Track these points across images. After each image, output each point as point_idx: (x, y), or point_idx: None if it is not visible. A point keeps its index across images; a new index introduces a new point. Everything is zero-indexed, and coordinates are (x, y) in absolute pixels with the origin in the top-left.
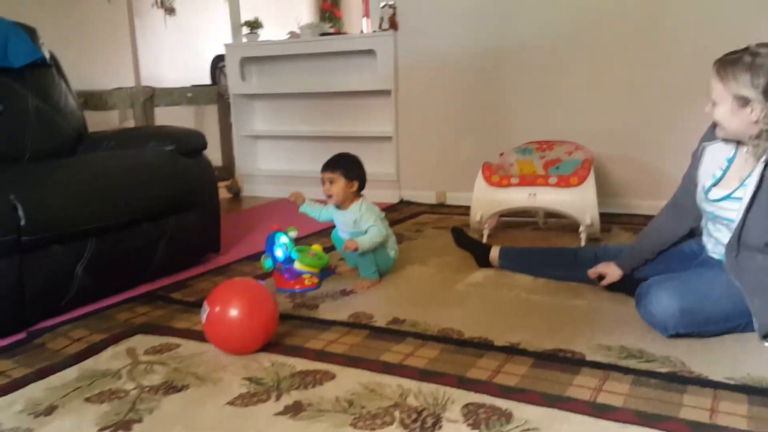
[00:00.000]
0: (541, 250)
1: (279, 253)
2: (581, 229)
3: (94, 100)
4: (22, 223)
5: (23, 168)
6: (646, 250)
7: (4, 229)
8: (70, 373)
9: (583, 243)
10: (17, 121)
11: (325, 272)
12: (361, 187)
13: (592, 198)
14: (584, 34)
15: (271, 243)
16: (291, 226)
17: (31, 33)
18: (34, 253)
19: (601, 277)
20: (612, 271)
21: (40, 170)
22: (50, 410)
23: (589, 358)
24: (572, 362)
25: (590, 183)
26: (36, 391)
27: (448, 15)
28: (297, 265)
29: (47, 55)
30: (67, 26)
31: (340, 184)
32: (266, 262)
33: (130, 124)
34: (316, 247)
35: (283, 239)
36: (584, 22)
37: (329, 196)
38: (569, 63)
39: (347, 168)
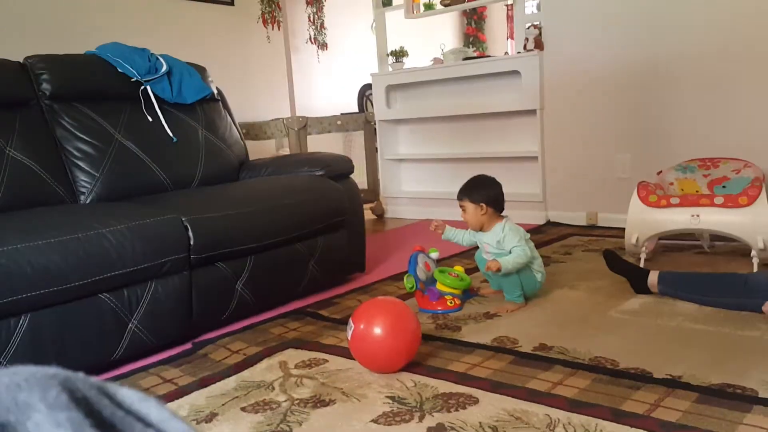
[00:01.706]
0: (706, 276)
1: (421, 274)
2: (753, 253)
3: (254, 130)
4: (192, 242)
5: (193, 192)
6: None
7: (177, 248)
8: (229, 383)
9: (755, 269)
10: (188, 151)
11: (468, 294)
12: (497, 208)
13: (764, 219)
14: (747, 41)
15: (413, 263)
16: (433, 248)
17: (201, 71)
18: (201, 270)
19: None
20: None
21: (208, 194)
22: (211, 417)
23: (762, 395)
24: (742, 399)
25: (762, 203)
26: (199, 398)
27: (595, 31)
28: (439, 286)
29: (215, 91)
30: (233, 64)
31: (469, 210)
32: (408, 282)
33: (286, 151)
34: (458, 268)
35: (426, 260)
36: (746, 27)
37: (466, 221)
38: (732, 73)
39: (472, 193)
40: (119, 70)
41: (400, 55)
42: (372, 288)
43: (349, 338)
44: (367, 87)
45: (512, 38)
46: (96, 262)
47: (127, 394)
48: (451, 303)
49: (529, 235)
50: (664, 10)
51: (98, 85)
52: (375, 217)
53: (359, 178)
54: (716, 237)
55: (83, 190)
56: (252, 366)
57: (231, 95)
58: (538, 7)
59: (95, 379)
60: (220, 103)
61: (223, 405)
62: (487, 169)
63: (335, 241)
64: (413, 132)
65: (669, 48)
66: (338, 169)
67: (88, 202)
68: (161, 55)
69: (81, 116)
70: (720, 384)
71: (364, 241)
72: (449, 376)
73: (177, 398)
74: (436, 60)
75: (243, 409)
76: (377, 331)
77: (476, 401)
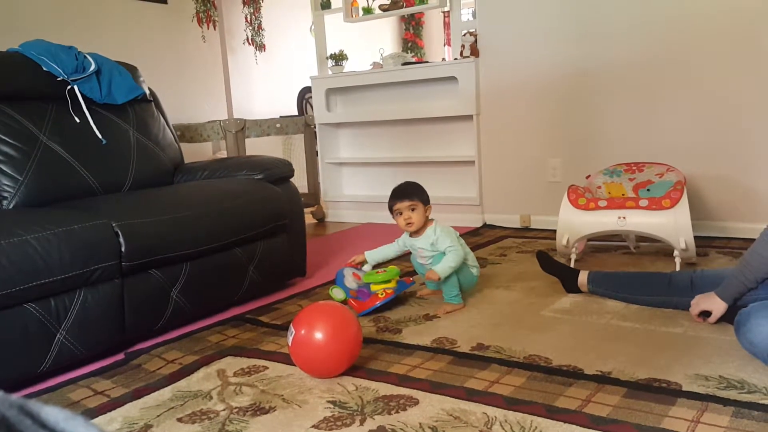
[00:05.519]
0: (632, 275)
1: (352, 284)
2: (675, 253)
3: (189, 132)
4: (123, 249)
5: (124, 197)
6: (749, 279)
7: (107, 255)
8: (164, 394)
9: (677, 268)
10: (119, 154)
11: (403, 284)
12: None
13: (685, 221)
14: (669, 53)
15: (340, 277)
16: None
17: (132, 71)
18: (134, 278)
19: (703, 313)
20: (717, 306)
21: (140, 199)
22: (145, 429)
23: (685, 388)
24: (668, 392)
25: (683, 205)
26: (132, 410)
27: (530, 39)
28: (372, 288)
29: (147, 92)
30: (166, 64)
31: (419, 211)
32: (335, 293)
33: (223, 154)
34: (390, 268)
35: (353, 272)
36: (674, 39)
37: (409, 224)
38: (656, 82)
39: (421, 194)
40: (44, 69)
41: (339, 58)
42: (313, 293)
43: (289, 344)
44: (307, 90)
45: (449, 45)
46: (20, 271)
47: (51, 412)
48: (382, 294)
49: (458, 234)
50: (594, 22)
51: (21, 85)
52: (316, 221)
53: (300, 181)
54: (641, 238)
55: (5, 195)
56: (188, 375)
57: (164, 96)
58: (474, 15)
59: (16, 397)
60: (153, 103)
61: (158, 416)
62: (426, 173)
63: (275, 245)
64: (354, 136)
65: (598, 58)
66: (278, 172)
67: (11, 207)
68: (89, 54)
69: (2, 116)
70: (647, 379)
71: (305, 245)
72: (390, 378)
73: (109, 411)
74: (375, 64)
75: (179, 419)
76: (318, 336)
77: (416, 402)
